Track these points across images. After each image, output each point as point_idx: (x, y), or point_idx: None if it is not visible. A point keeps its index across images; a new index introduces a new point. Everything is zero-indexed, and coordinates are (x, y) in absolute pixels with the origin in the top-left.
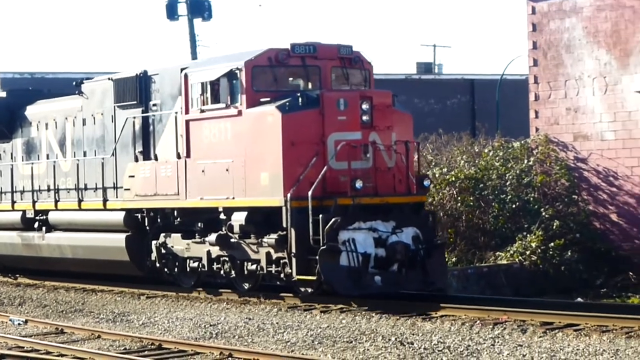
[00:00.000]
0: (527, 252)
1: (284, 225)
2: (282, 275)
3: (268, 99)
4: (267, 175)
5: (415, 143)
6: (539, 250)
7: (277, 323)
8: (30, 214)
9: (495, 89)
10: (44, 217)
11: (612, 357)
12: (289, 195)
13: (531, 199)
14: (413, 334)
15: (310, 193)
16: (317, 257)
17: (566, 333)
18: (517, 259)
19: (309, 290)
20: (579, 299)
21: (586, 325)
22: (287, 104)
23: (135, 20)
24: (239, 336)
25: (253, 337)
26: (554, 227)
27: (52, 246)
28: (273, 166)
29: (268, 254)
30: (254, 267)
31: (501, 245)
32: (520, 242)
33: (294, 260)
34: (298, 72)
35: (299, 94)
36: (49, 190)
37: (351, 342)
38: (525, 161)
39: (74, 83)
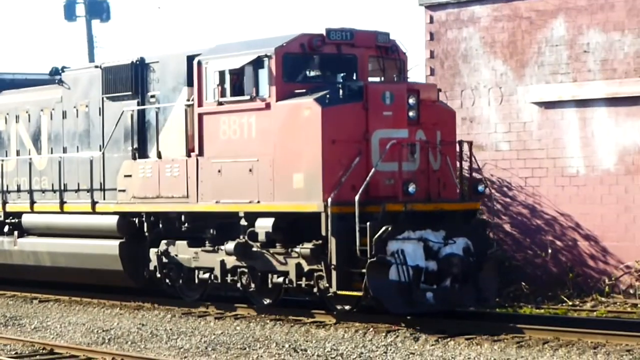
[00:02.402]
0: None
1: (323, 233)
2: (315, 290)
3: (303, 90)
4: (302, 176)
5: (468, 143)
6: None
7: (170, 329)
8: None
9: None
10: (16, 220)
11: None
12: (329, 199)
13: None
14: (307, 341)
15: (357, 197)
16: (365, 271)
17: (458, 342)
18: None
19: (347, 307)
20: (472, 308)
21: (478, 335)
22: (327, 96)
23: (31, 21)
24: (132, 342)
25: (146, 343)
26: None
27: (25, 252)
28: (309, 166)
29: (298, 266)
30: (280, 279)
31: None
32: None
33: (333, 273)
34: (333, 60)
35: (339, 85)
36: (19, 190)
37: (245, 348)
38: None
39: (50, 71)
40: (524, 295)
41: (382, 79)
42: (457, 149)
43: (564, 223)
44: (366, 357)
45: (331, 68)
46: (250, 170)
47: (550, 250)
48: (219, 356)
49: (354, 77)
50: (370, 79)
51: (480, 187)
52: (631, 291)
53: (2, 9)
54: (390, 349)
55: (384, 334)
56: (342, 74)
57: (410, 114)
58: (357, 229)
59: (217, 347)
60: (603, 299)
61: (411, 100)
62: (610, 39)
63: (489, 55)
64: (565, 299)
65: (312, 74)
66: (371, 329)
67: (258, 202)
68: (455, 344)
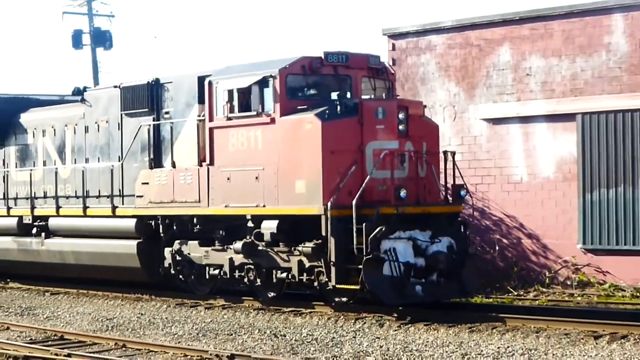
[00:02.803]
0: None
1: (323, 234)
2: (315, 284)
3: (305, 106)
4: (304, 183)
5: (451, 153)
6: None
7: (166, 318)
8: (27, 220)
9: None
10: (43, 223)
11: (457, 348)
12: (329, 203)
13: None
14: (286, 328)
15: (354, 202)
16: (362, 267)
17: (417, 327)
18: None
19: (344, 299)
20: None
21: (435, 321)
22: (327, 111)
23: (41, 48)
24: (132, 329)
25: (144, 330)
26: None
27: (52, 252)
28: (311, 174)
29: (300, 262)
30: (283, 275)
31: None
32: None
33: (332, 269)
34: (330, 80)
35: (337, 102)
36: (45, 197)
37: (231, 334)
38: None
39: (73, 91)
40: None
41: (373, 96)
42: (443, 158)
43: (510, 223)
44: (337, 341)
45: (328, 87)
46: (256, 178)
47: (497, 248)
48: (209, 341)
49: (349, 95)
50: (363, 97)
51: (462, 192)
52: (568, 282)
53: (17, 39)
54: (359, 334)
55: (353, 321)
56: (338, 92)
57: (400, 127)
58: (355, 229)
59: (207, 333)
60: (544, 289)
61: (401, 115)
62: (550, 64)
63: (443, 78)
64: (511, 289)
65: (312, 92)
66: (342, 317)
67: (264, 206)
68: (415, 329)
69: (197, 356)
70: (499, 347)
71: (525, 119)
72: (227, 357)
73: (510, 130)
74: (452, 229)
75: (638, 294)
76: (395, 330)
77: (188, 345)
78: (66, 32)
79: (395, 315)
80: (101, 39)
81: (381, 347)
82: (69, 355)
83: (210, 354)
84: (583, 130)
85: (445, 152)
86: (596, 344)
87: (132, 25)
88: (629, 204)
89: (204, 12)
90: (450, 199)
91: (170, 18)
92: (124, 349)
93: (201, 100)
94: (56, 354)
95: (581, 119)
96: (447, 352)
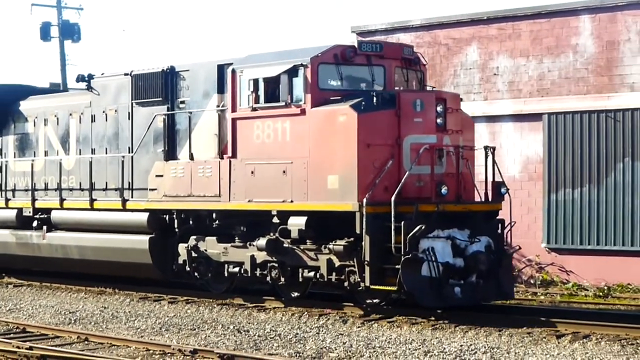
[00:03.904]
0: None
1: (357, 231)
2: (345, 284)
3: (338, 97)
4: (337, 178)
5: (491, 149)
6: None
7: (129, 312)
8: (27, 212)
9: None
10: (45, 215)
11: (420, 345)
12: (364, 200)
13: None
14: (249, 323)
15: (393, 198)
16: (399, 267)
17: (381, 324)
18: None
19: (376, 300)
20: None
21: (398, 318)
22: (363, 103)
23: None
24: (95, 322)
25: (107, 324)
26: None
27: (54, 246)
28: (345, 169)
29: (330, 261)
30: (310, 274)
31: None
32: None
33: (367, 268)
34: (363, 70)
35: (373, 93)
36: (46, 188)
37: (194, 329)
38: None
39: (77, 78)
40: None
41: (406, 87)
42: (483, 154)
43: None
44: (301, 337)
45: (361, 77)
46: (284, 172)
47: None
48: (172, 336)
49: (382, 86)
50: (397, 88)
51: (503, 190)
52: (531, 281)
53: None
54: (322, 330)
55: (316, 317)
56: (371, 83)
57: (438, 120)
58: (393, 227)
59: (170, 328)
60: None
61: (439, 108)
62: (517, 64)
63: None
64: None
65: (344, 82)
66: (306, 313)
67: (291, 201)
68: (378, 326)
69: (160, 351)
70: (461, 345)
71: (492, 118)
72: (190, 352)
73: (478, 129)
74: (489, 227)
75: (601, 293)
76: (359, 327)
77: (151, 339)
78: (35, 25)
79: (360, 313)
80: (69, 31)
81: (344, 343)
82: (30, 348)
83: (173, 349)
84: (549, 130)
85: (486, 148)
86: (558, 343)
87: (100, 19)
88: (593, 204)
89: (171, 5)
90: (490, 196)
91: (138, 12)
92: (86, 342)
93: (221, 90)
94: (18, 347)
95: (547, 119)
96: (409, 349)
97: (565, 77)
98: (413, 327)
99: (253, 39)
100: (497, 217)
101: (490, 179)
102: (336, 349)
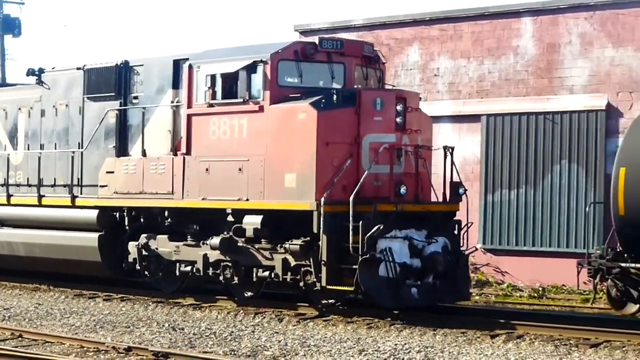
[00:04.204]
0: None
1: (314, 231)
2: (300, 284)
3: (297, 94)
4: (294, 176)
5: (450, 149)
6: None
7: (64, 308)
8: None
9: None
10: None
11: (354, 344)
12: (322, 199)
13: None
14: (184, 321)
15: (352, 197)
16: (357, 267)
17: (317, 323)
18: None
19: (331, 301)
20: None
21: (334, 317)
22: (323, 100)
23: None
24: (29, 319)
25: (42, 321)
26: None
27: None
28: (303, 167)
29: (285, 261)
30: (265, 274)
31: None
32: None
33: (323, 268)
34: (323, 67)
35: (333, 91)
36: None
37: (129, 327)
38: None
39: (27, 72)
40: None
41: (365, 85)
42: (442, 153)
43: None
44: (236, 336)
45: (321, 74)
46: (239, 170)
47: None
48: (106, 333)
49: (342, 84)
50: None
51: (461, 190)
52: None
53: None
54: (258, 329)
55: (252, 315)
56: (330, 80)
57: (398, 120)
58: (351, 227)
59: (105, 325)
60: None
61: (399, 107)
62: (457, 65)
63: None
64: None
65: (304, 79)
66: (242, 311)
67: (247, 199)
68: (314, 325)
69: (94, 348)
70: (396, 344)
71: (432, 119)
72: (124, 350)
73: None
74: (446, 228)
75: (535, 294)
76: (294, 326)
77: (85, 336)
78: None
79: (295, 311)
80: (10, 26)
81: (279, 342)
82: None
83: (107, 346)
84: (487, 131)
85: (445, 148)
86: (492, 343)
87: (42, 13)
88: (529, 205)
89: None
90: (448, 197)
91: (80, 7)
92: (20, 339)
93: (176, 85)
94: None
95: (486, 120)
96: (344, 347)
97: (505, 79)
98: (348, 326)
99: (196, 36)
100: (455, 218)
101: (448, 179)
102: (271, 347)
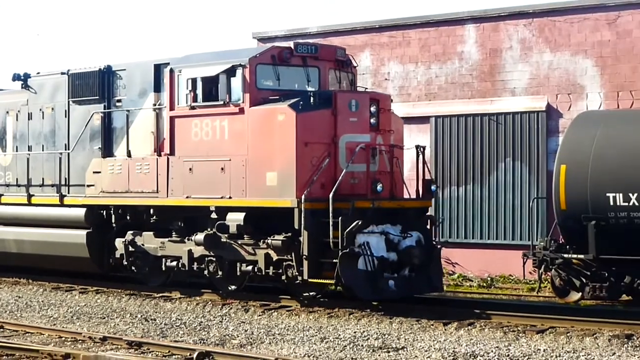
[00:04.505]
0: None
1: (295, 227)
2: (282, 277)
3: (276, 97)
4: (275, 175)
5: (421, 148)
6: None
7: (42, 301)
8: None
9: None
10: None
11: (316, 332)
12: (302, 196)
13: None
14: (156, 312)
15: (331, 195)
16: (338, 261)
17: (280, 312)
18: None
19: (312, 293)
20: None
21: (296, 307)
22: (301, 102)
23: None
24: (9, 311)
25: (22, 312)
26: None
27: None
28: (283, 166)
29: (267, 256)
30: (248, 268)
31: None
32: None
33: (305, 262)
34: (299, 71)
35: (310, 93)
36: None
37: (104, 318)
38: None
39: (13, 77)
40: None
41: (338, 88)
42: (415, 152)
43: None
44: (205, 325)
45: (297, 77)
46: (222, 169)
47: None
48: (83, 324)
49: (317, 87)
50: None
51: (433, 187)
52: None
53: None
54: (225, 319)
55: (220, 306)
56: (306, 83)
57: (372, 120)
58: (331, 223)
59: (81, 316)
60: None
61: (372, 108)
62: (407, 70)
63: None
64: None
65: (281, 82)
66: (210, 303)
67: (230, 197)
68: (277, 314)
69: (72, 338)
70: (355, 332)
71: None
72: (100, 339)
73: None
74: (419, 223)
75: (484, 284)
76: (260, 316)
77: (63, 327)
78: None
79: (260, 302)
80: None
81: (246, 331)
82: None
83: (84, 336)
84: (436, 132)
85: (417, 147)
86: (445, 330)
87: (14, 23)
88: (477, 201)
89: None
90: (421, 193)
91: (53, 16)
92: (1, 329)
93: (157, 89)
94: None
95: (434, 121)
96: (307, 335)
97: (452, 83)
98: (310, 315)
99: (155, 43)
100: (427, 214)
101: (420, 176)
102: (238, 336)
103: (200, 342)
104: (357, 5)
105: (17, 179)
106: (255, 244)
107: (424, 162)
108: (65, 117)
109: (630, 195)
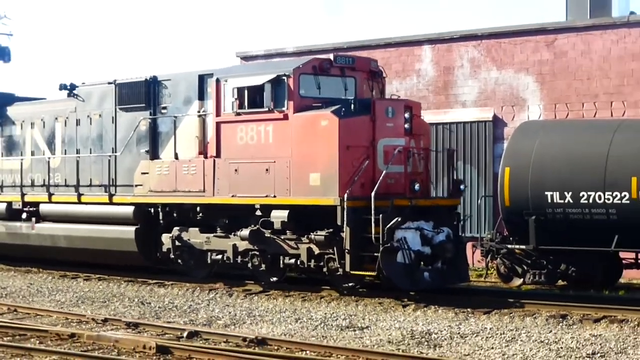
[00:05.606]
0: None
1: (338, 223)
2: (324, 270)
3: (318, 104)
4: (319, 176)
5: (452, 151)
6: None
7: (51, 287)
8: (17, 205)
9: None
10: (33, 208)
11: (291, 314)
12: (345, 195)
13: None
14: (151, 297)
15: (373, 194)
16: (379, 255)
17: (260, 297)
18: None
19: (351, 284)
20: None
21: (274, 292)
22: (342, 109)
23: None
24: (22, 296)
25: (33, 297)
26: None
27: (42, 235)
28: (326, 167)
29: (309, 250)
30: (291, 261)
31: None
32: None
33: (347, 256)
34: (337, 80)
35: (351, 101)
36: (33, 185)
37: (105, 302)
38: None
39: (60, 86)
40: None
41: (371, 96)
42: (446, 155)
43: None
44: (194, 308)
45: (335, 86)
46: (267, 170)
47: None
48: (86, 307)
49: (353, 95)
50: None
51: (462, 187)
52: None
53: None
54: (212, 302)
55: (207, 291)
56: (343, 92)
57: (406, 126)
58: (373, 219)
59: (85, 301)
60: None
61: (407, 115)
62: None
63: None
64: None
65: (321, 90)
66: (198, 288)
67: (274, 196)
68: (258, 298)
69: (77, 319)
70: (325, 313)
71: None
72: (102, 321)
73: None
74: (448, 219)
75: None
76: (242, 299)
77: (69, 310)
78: None
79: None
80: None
81: (230, 313)
82: None
83: (88, 318)
84: None
85: (448, 150)
86: (404, 311)
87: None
88: None
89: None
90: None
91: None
92: (15, 312)
93: (201, 97)
94: None
95: None
96: (283, 317)
97: (410, 96)
98: (286, 299)
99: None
100: (456, 211)
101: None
102: (223, 317)
103: (190, 323)
104: (328, 28)
105: (65, 180)
106: (297, 239)
107: (454, 164)
108: (113, 123)
109: (566, 193)
